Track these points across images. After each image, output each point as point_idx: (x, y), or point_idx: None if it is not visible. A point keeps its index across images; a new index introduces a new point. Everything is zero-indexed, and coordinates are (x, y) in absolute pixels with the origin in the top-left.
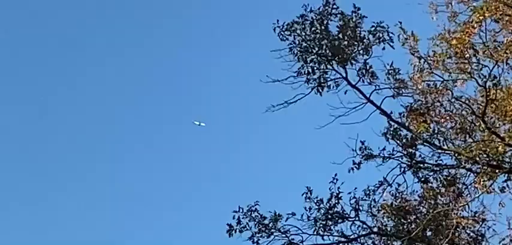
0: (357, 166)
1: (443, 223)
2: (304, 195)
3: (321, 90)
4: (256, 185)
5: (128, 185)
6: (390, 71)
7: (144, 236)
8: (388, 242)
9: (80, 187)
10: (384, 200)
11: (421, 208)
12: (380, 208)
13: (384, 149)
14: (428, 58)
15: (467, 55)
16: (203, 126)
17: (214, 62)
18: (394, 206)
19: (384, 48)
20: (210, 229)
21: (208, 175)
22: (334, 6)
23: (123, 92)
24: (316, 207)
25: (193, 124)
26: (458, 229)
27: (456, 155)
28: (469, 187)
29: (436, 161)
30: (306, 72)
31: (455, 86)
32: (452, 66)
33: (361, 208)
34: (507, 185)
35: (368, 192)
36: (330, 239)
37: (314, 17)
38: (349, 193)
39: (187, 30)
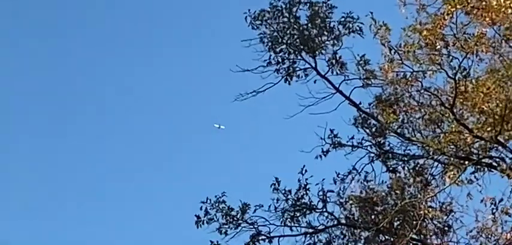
0: (325, 154)
1: (411, 213)
2: (272, 186)
3: (290, 79)
4: (224, 176)
5: (93, 179)
6: (360, 62)
7: (111, 231)
8: (356, 233)
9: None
10: (352, 190)
11: (389, 198)
12: (348, 199)
13: (352, 138)
14: (399, 49)
15: (438, 46)
16: (223, 128)
17: (184, 51)
18: (361, 197)
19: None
20: (178, 221)
21: (175, 165)
22: None
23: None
24: (284, 198)
25: (213, 127)
26: (425, 220)
27: (424, 145)
28: (437, 178)
29: (404, 151)
30: (276, 62)
31: (425, 77)
32: (422, 57)
33: (329, 199)
34: (475, 176)
35: (336, 180)
36: (297, 230)
37: (283, 6)
38: (317, 183)
39: (155, 14)
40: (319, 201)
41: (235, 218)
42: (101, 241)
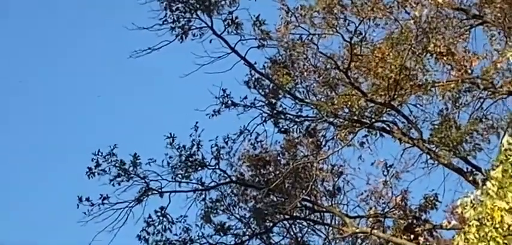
0: (217, 112)
1: (302, 175)
2: (166, 141)
3: (185, 37)
4: (120, 131)
5: None
6: (256, 22)
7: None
8: (247, 191)
9: None
10: (244, 149)
11: (281, 158)
12: (240, 157)
13: (245, 98)
14: (296, 11)
15: (335, 11)
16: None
17: (80, 9)
18: (253, 156)
19: None
20: (70, 174)
21: (71, 121)
22: None
23: None
24: (177, 154)
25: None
26: (316, 181)
27: (318, 107)
28: (329, 140)
29: (297, 113)
30: (171, 20)
31: (321, 39)
32: (319, 20)
33: (222, 156)
34: (367, 140)
35: (227, 140)
36: (189, 187)
37: None
38: (211, 140)
39: None
40: (212, 158)
41: (127, 172)
42: None
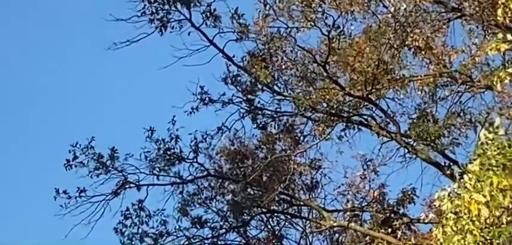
0: (196, 110)
1: (280, 168)
2: (145, 135)
3: (163, 30)
4: (96, 124)
5: None
6: (234, 15)
7: None
8: (224, 185)
9: None
10: (222, 144)
11: (259, 153)
12: (218, 151)
13: (223, 94)
14: (274, 4)
15: (313, 4)
16: None
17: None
18: (231, 150)
19: None
20: (48, 165)
21: (49, 113)
22: None
23: None
24: (156, 148)
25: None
26: (294, 175)
27: (296, 102)
28: (307, 134)
29: (275, 108)
30: (150, 12)
31: (299, 33)
32: (297, 14)
33: (200, 150)
34: (345, 134)
35: (205, 136)
36: (166, 180)
37: None
38: (190, 134)
39: None
40: (190, 152)
41: (105, 165)
42: None
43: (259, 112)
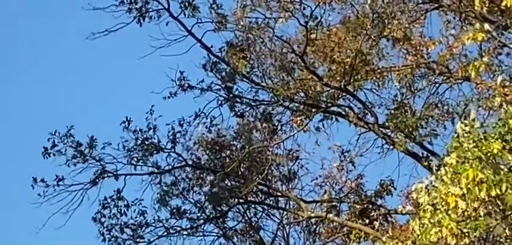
0: (174, 94)
1: (258, 159)
2: (123, 125)
3: (142, 20)
4: (75, 113)
5: None
6: (212, 5)
7: None
8: (202, 175)
9: None
10: (201, 132)
11: (237, 143)
12: (196, 141)
13: (202, 81)
14: None
15: None
16: None
17: None
18: (209, 140)
19: None
20: (25, 153)
21: (28, 101)
22: None
23: None
24: (134, 137)
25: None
26: (272, 165)
27: (274, 92)
28: (285, 124)
29: (253, 97)
30: (128, 1)
31: (277, 23)
32: (275, 4)
33: (177, 140)
34: (323, 124)
35: (183, 122)
36: (145, 170)
37: None
38: (168, 124)
39: None
40: (168, 141)
41: (82, 153)
42: None
43: (238, 100)
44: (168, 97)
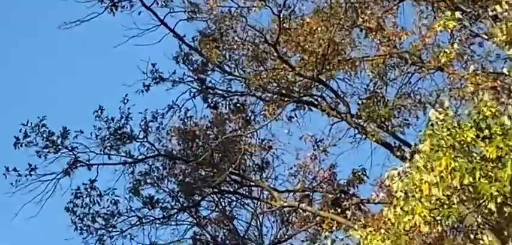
0: (147, 88)
1: (231, 148)
2: (95, 114)
3: (114, 10)
4: (47, 103)
5: None
6: None
7: None
8: (175, 164)
9: None
10: (173, 123)
11: (210, 133)
12: (169, 131)
13: (174, 72)
14: None
15: None
16: None
17: None
18: (182, 129)
19: None
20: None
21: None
22: None
23: None
24: (106, 126)
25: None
26: (245, 155)
27: (246, 82)
28: (258, 114)
29: (226, 87)
30: None
31: (250, 13)
32: None
33: (150, 130)
34: (295, 114)
35: (156, 115)
36: (117, 159)
37: None
38: (140, 113)
39: None
40: (140, 131)
41: (55, 143)
42: None
43: (210, 91)
44: (142, 91)
